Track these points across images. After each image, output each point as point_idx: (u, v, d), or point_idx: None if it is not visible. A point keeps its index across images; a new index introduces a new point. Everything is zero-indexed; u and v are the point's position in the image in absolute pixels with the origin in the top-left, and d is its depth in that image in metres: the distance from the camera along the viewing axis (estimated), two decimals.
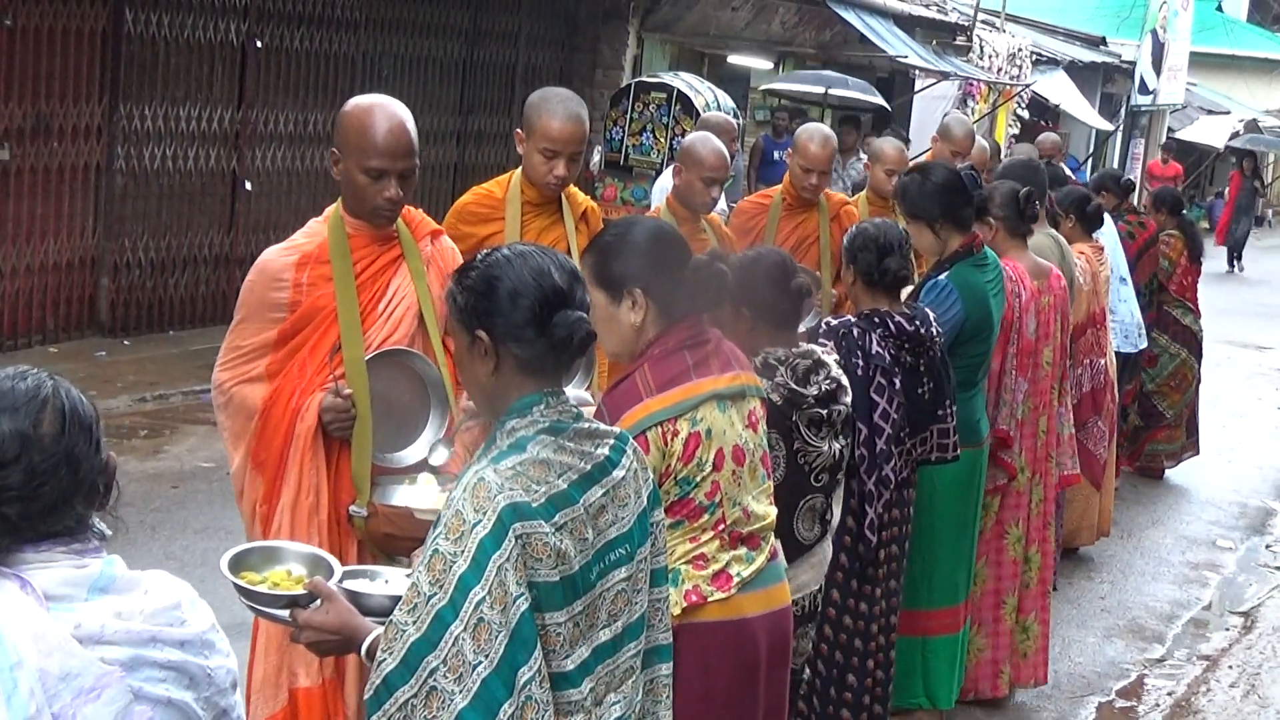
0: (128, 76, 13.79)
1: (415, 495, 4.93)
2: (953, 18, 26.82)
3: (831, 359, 5.44)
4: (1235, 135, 36.16)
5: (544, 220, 6.41)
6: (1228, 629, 9.49)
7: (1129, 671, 8.64)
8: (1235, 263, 32.32)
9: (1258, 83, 49.12)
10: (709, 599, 4.46)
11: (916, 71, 24.42)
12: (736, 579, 4.54)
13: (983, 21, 27.28)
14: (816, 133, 8.64)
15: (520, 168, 6.38)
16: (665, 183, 11.18)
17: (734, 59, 21.70)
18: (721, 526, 4.51)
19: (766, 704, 4.69)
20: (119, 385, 12.49)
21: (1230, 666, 8.58)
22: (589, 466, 3.44)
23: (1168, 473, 12.69)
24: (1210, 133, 38.46)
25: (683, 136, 16.89)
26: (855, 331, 6.00)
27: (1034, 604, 7.77)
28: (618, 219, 5.61)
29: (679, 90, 17.02)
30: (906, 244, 6.37)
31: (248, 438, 4.97)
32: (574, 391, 6.16)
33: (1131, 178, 13.14)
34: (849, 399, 5.45)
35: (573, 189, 6.60)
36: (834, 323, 6.10)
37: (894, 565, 6.37)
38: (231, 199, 15.10)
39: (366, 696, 3.28)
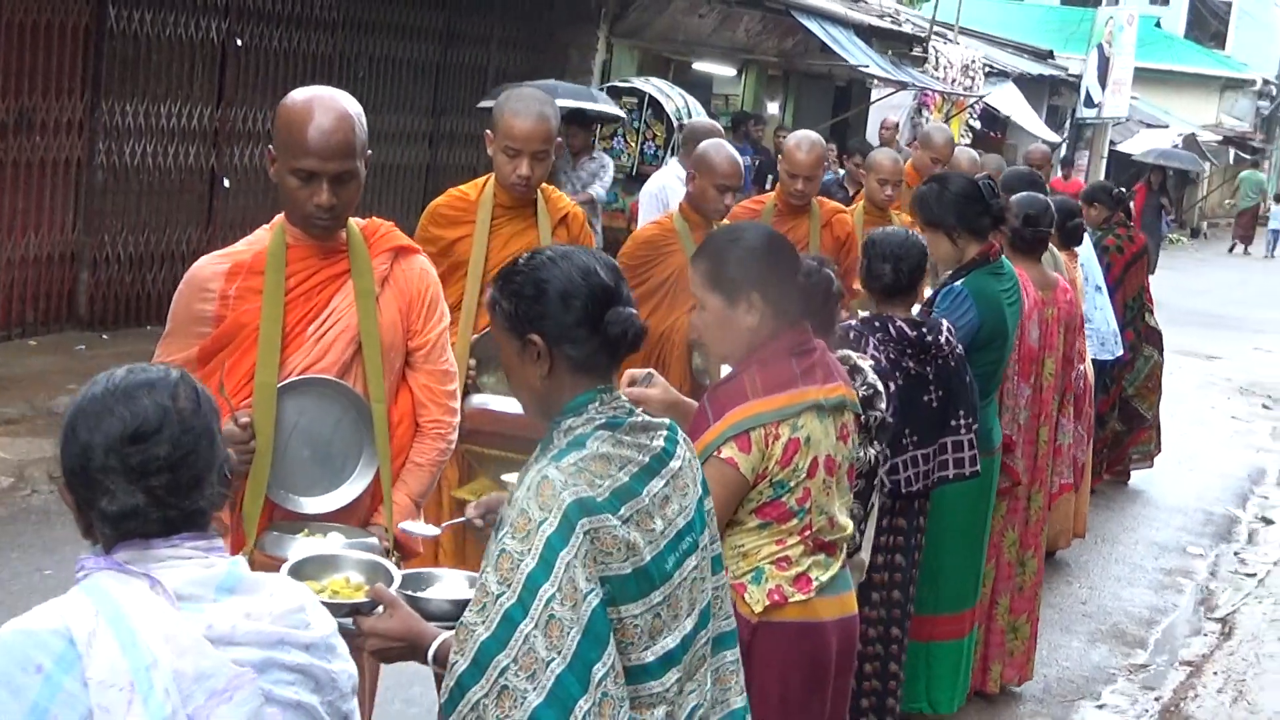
0: (109, 72, 13.57)
1: (302, 549, 4.18)
2: (906, 28, 26.87)
3: (867, 364, 5.36)
4: (1149, 151, 36.00)
5: (516, 224, 6.13)
6: (1205, 635, 9.45)
7: (1115, 676, 8.58)
8: None
9: (1196, 98, 49.48)
10: (789, 600, 4.42)
11: (874, 81, 24.42)
12: (815, 583, 4.51)
13: (937, 33, 27.32)
14: (804, 140, 8.59)
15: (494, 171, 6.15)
16: (654, 186, 11.16)
17: (699, 65, 21.67)
18: (808, 533, 4.48)
19: (832, 709, 4.64)
20: None
21: (1215, 673, 8.53)
22: (647, 458, 3.37)
23: (1133, 479, 12.66)
24: (1150, 145, 38.64)
25: (653, 141, 16.91)
26: (852, 335, 5.90)
27: (1025, 606, 7.73)
28: (727, 224, 5.52)
29: (650, 95, 16.95)
30: (925, 258, 6.31)
31: None
32: None
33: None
34: (884, 405, 5.38)
35: (555, 193, 6.35)
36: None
37: (897, 576, 6.28)
38: (210, 196, 14.90)
39: (441, 700, 3.19)
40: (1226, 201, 48.03)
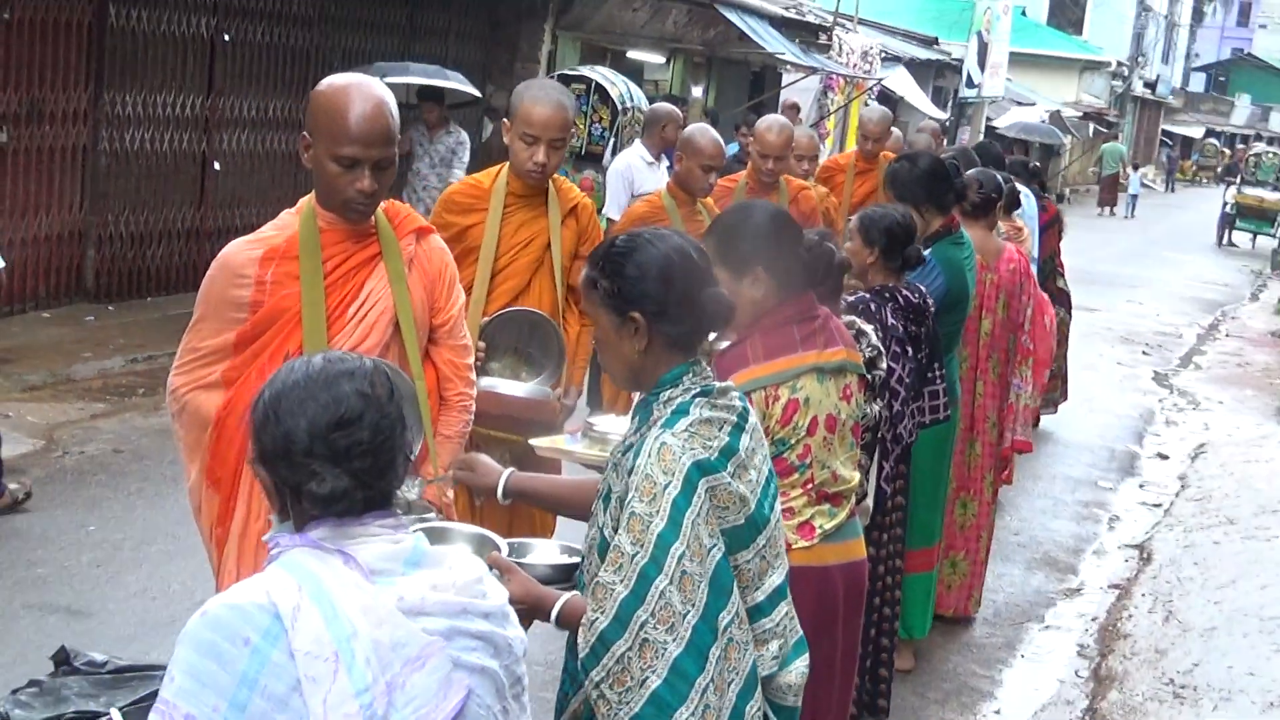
0: (111, 66, 13.33)
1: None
2: (810, 19, 26.79)
3: (870, 328, 5.27)
4: (1013, 125, 36.05)
5: (527, 212, 5.80)
6: (1127, 560, 9.43)
7: (1054, 600, 8.55)
8: None
9: (1058, 78, 49.84)
10: (793, 546, 4.25)
11: (786, 66, 24.37)
12: (819, 530, 4.42)
13: (839, 23, 27.27)
14: (774, 123, 8.49)
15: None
16: (620, 165, 10.99)
17: (632, 54, 21.55)
18: (810, 485, 4.39)
19: (844, 647, 4.56)
20: (111, 347, 12.05)
21: (1143, 594, 8.51)
22: (735, 417, 3.31)
23: (1043, 422, 12.64)
24: (1019, 121, 38.79)
25: (600, 123, 16.72)
26: (873, 305, 5.80)
27: (965, 544, 7.65)
28: (737, 204, 5.37)
29: (596, 82, 16.75)
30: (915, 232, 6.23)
31: (202, 451, 4.06)
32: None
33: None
34: (885, 364, 5.31)
35: (566, 183, 6.03)
36: (852, 299, 5.89)
37: (899, 514, 6.27)
38: (201, 177, 14.67)
39: (582, 655, 3.11)
40: (1090, 169, 48.37)
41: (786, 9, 25.74)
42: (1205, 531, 9.75)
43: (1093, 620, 8.26)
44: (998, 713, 6.92)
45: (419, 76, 13.74)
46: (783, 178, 8.50)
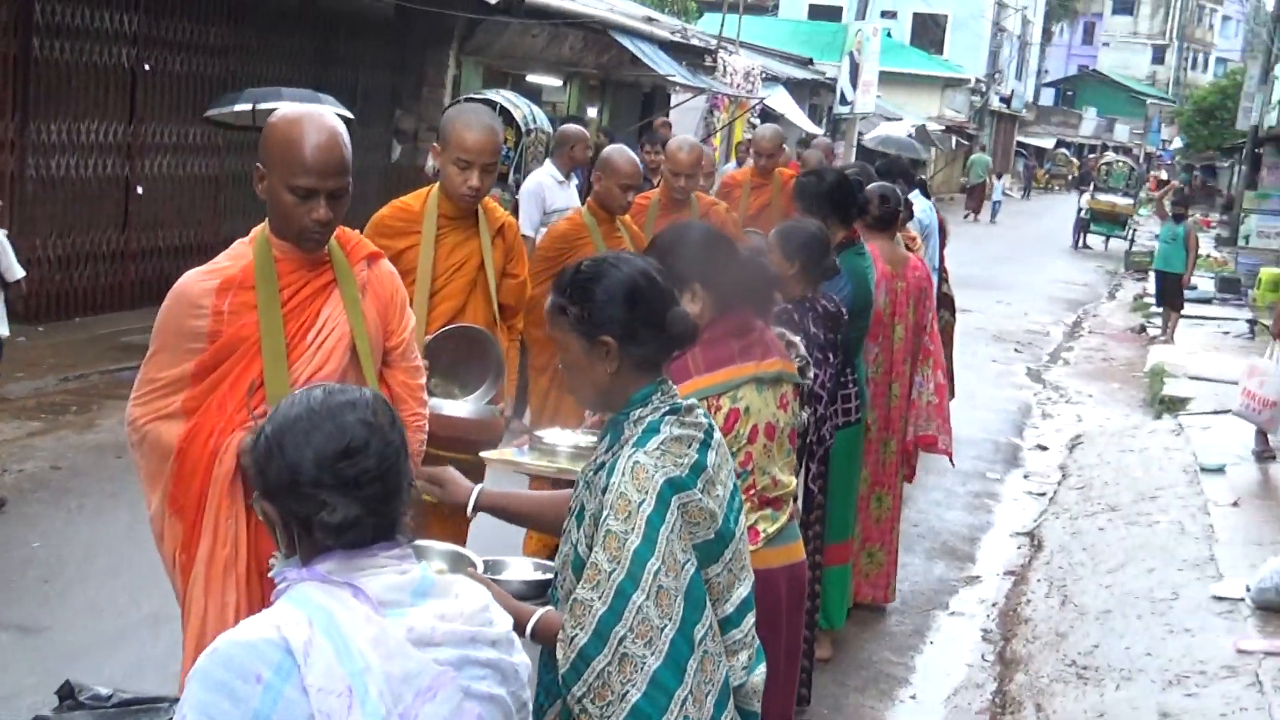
0: (36, 96, 13.06)
1: None
2: (695, 43, 26.80)
3: (798, 338, 5.20)
4: (874, 138, 36.26)
5: (460, 234, 5.64)
6: (1019, 547, 9.45)
7: (956, 587, 8.53)
8: None
9: (923, 95, 50.30)
10: None
11: (675, 87, 24.36)
12: (763, 534, 4.37)
13: (722, 46, 27.29)
14: (685, 143, 8.46)
15: (437, 183, 5.66)
16: (531, 185, 10.85)
17: (531, 77, 21.44)
18: (753, 491, 4.34)
19: (786, 646, 4.49)
20: (44, 367, 11.76)
21: (1038, 580, 8.52)
22: (703, 434, 3.22)
23: None
24: (885, 134, 39.03)
25: (505, 144, 16.55)
26: (796, 315, 5.73)
27: (881, 536, 7.61)
28: (672, 223, 5.27)
29: (501, 105, 16.59)
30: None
31: (164, 480, 3.84)
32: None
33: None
34: (812, 373, 5.25)
35: (491, 203, 5.84)
36: (775, 310, 5.82)
37: (820, 512, 6.22)
38: (125, 201, 14.43)
39: (563, 670, 3.00)
40: (960, 179, 48.74)
41: (674, 33, 25.74)
42: (1090, 519, 9.79)
43: (993, 606, 8.26)
44: (914, 698, 6.88)
45: (291, 100, 13.18)
46: (693, 194, 8.44)
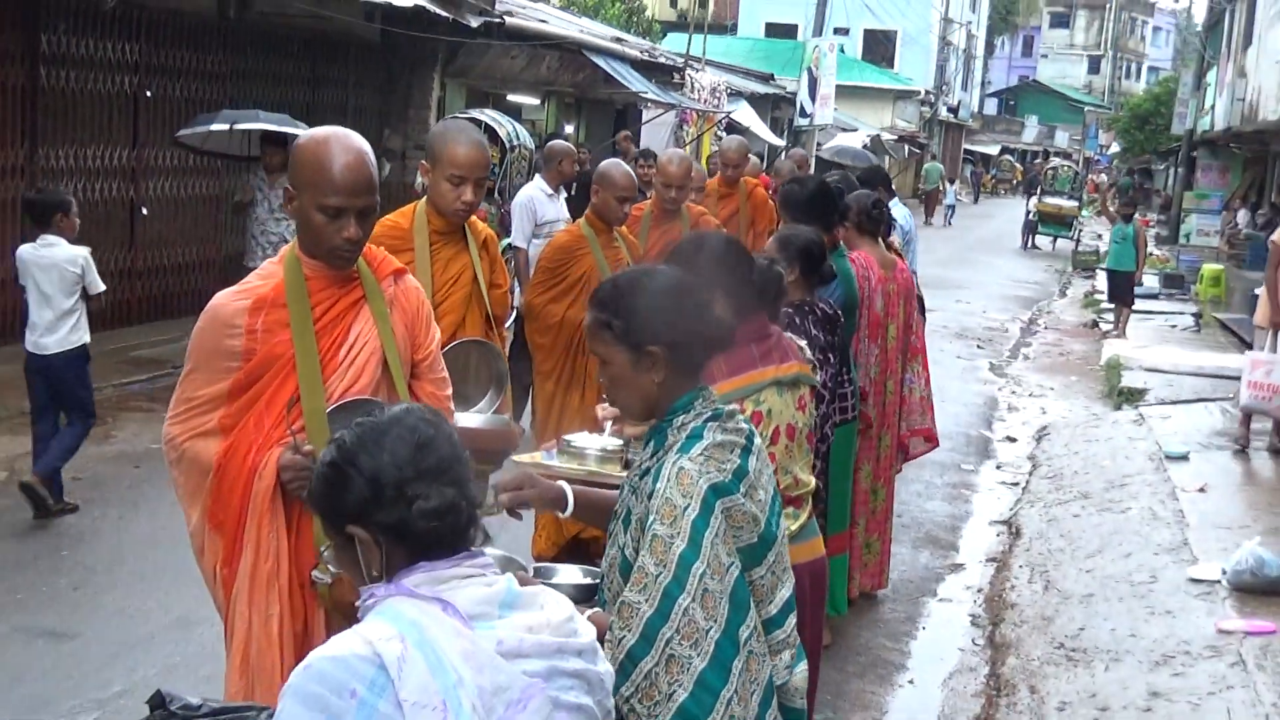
0: (44, 124, 12.92)
1: None
2: (661, 60, 26.75)
3: (803, 342, 5.14)
4: (828, 149, 36.24)
5: (451, 248, 5.50)
6: (999, 535, 9.40)
7: (942, 575, 8.46)
8: None
9: (875, 107, 50.36)
10: None
11: (646, 103, 24.29)
12: (787, 533, 4.23)
13: (689, 64, 27.25)
14: (675, 156, 8.43)
15: (423, 199, 5.51)
16: (522, 198, 10.77)
17: (511, 97, 21.38)
18: None
19: (810, 640, 4.40)
20: None
21: (1020, 566, 8.47)
22: (744, 440, 3.12)
23: None
24: (839, 145, 38.99)
25: (492, 160, 16.47)
26: (798, 319, 5.67)
27: (878, 528, 7.57)
28: (691, 234, 5.19)
29: (486, 122, 16.49)
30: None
31: (203, 496, 3.72)
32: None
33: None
34: (819, 375, 5.19)
35: (473, 218, 5.67)
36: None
37: (821, 505, 6.14)
38: (131, 222, 14.28)
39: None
40: (921, 187, 48.67)
41: (643, 53, 25.70)
42: (1063, 506, 9.75)
43: (979, 592, 8.20)
44: (911, 682, 6.81)
45: (268, 123, 12.25)
46: (684, 205, 8.38)
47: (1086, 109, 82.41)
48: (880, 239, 7.63)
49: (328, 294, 3.78)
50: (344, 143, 3.68)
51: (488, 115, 16.80)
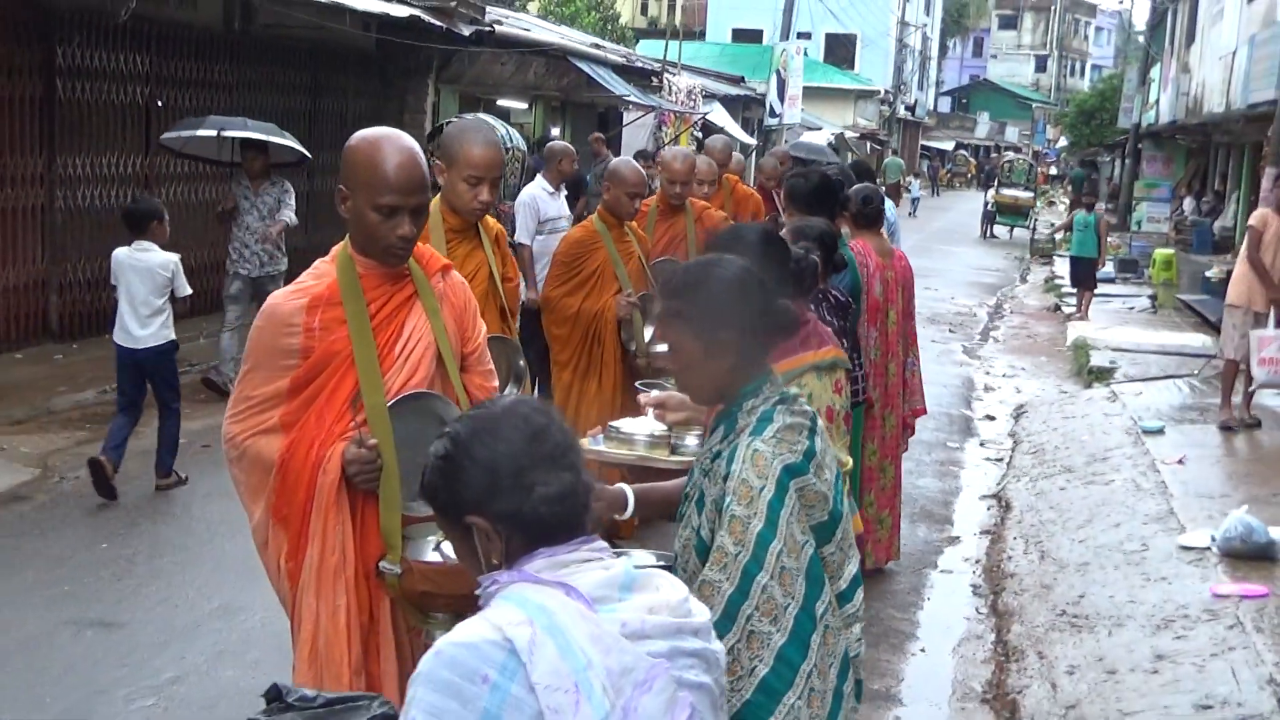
0: (61, 134, 12.75)
1: (449, 550, 3.44)
2: (638, 64, 26.64)
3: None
4: (791, 145, 36.14)
5: (466, 245, 5.34)
6: (989, 509, 9.35)
7: (940, 548, 8.40)
8: None
9: (838, 106, 50.34)
10: None
11: (628, 105, 24.17)
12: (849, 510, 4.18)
13: (666, 69, 27.15)
14: (679, 153, 8.40)
15: (437, 197, 5.23)
16: (525, 197, 10.64)
17: (501, 101, 21.25)
18: None
19: None
20: (81, 381, 11.44)
21: (1014, 538, 8.41)
22: (810, 422, 3.04)
23: None
24: (806, 142, 38.90)
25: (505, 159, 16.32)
26: (812, 306, 5.59)
27: (887, 503, 7.50)
28: (729, 225, 5.11)
29: None
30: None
31: (266, 492, 3.62)
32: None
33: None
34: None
35: (486, 217, 5.49)
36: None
37: (847, 484, 6.08)
38: None
39: None
40: (882, 181, 48.76)
41: (623, 58, 25.59)
42: (1049, 480, 9.70)
43: (977, 563, 8.14)
44: (923, 650, 6.75)
45: (255, 131, 11.67)
46: (688, 200, 8.32)
47: (1034, 105, 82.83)
48: (880, 229, 7.58)
49: (381, 291, 3.68)
50: (396, 143, 3.59)
51: (483, 119, 16.68)
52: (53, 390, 11.11)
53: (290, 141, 11.80)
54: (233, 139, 11.73)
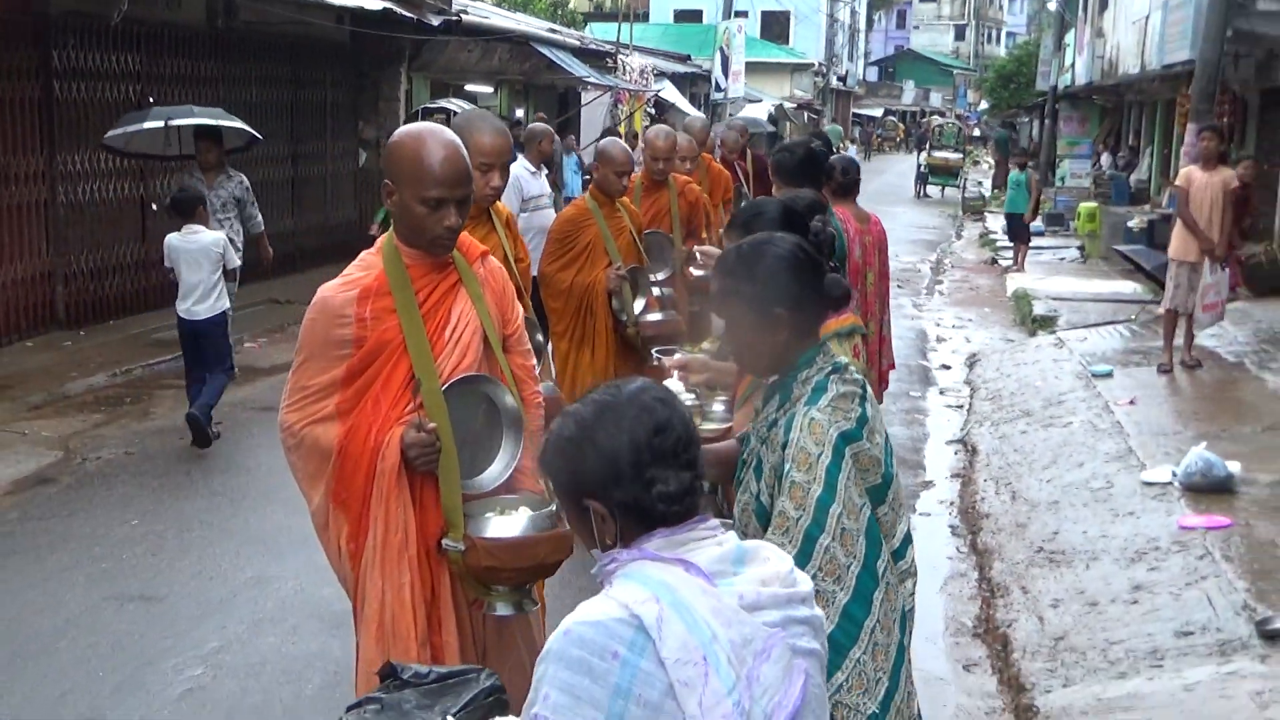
0: (60, 132, 12.46)
1: (509, 525, 3.48)
2: (591, 46, 26.44)
3: None
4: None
5: (481, 229, 5.10)
6: (956, 453, 9.34)
7: (917, 491, 8.37)
8: None
9: (776, 80, 50.18)
10: None
11: (586, 85, 24.01)
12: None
13: (619, 50, 26.95)
14: (660, 131, 8.29)
15: None
16: (509, 177, 10.52)
17: (469, 86, 21.06)
18: None
19: None
20: (92, 366, 11.25)
21: (984, 480, 8.41)
22: (860, 389, 3.00)
23: None
24: (748, 114, 38.85)
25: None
26: None
27: None
28: (750, 201, 5.01)
29: (452, 110, 16.23)
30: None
31: (326, 477, 3.53)
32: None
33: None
34: None
35: (497, 202, 5.30)
36: None
37: None
38: (142, 218, 13.80)
39: None
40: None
41: (579, 41, 25.39)
42: (1010, 424, 9.70)
43: (952, 505, 8.13)
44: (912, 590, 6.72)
45: (202, 117, 10.92)
46: (671, 175, 8.22)
47: (955, 72, 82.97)
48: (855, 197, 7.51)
49: (428, 280, 3.58)
50: (440, 138, 3.50)
51: (454, 104, 16.57)
52: (65, 376, 10.92)
53: (238, 124, 11.23)
54: (179, 129, 11.13)
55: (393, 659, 3.43)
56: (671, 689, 1.94)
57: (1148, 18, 25.05)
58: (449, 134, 3.56)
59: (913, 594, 3.09)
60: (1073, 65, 35.39)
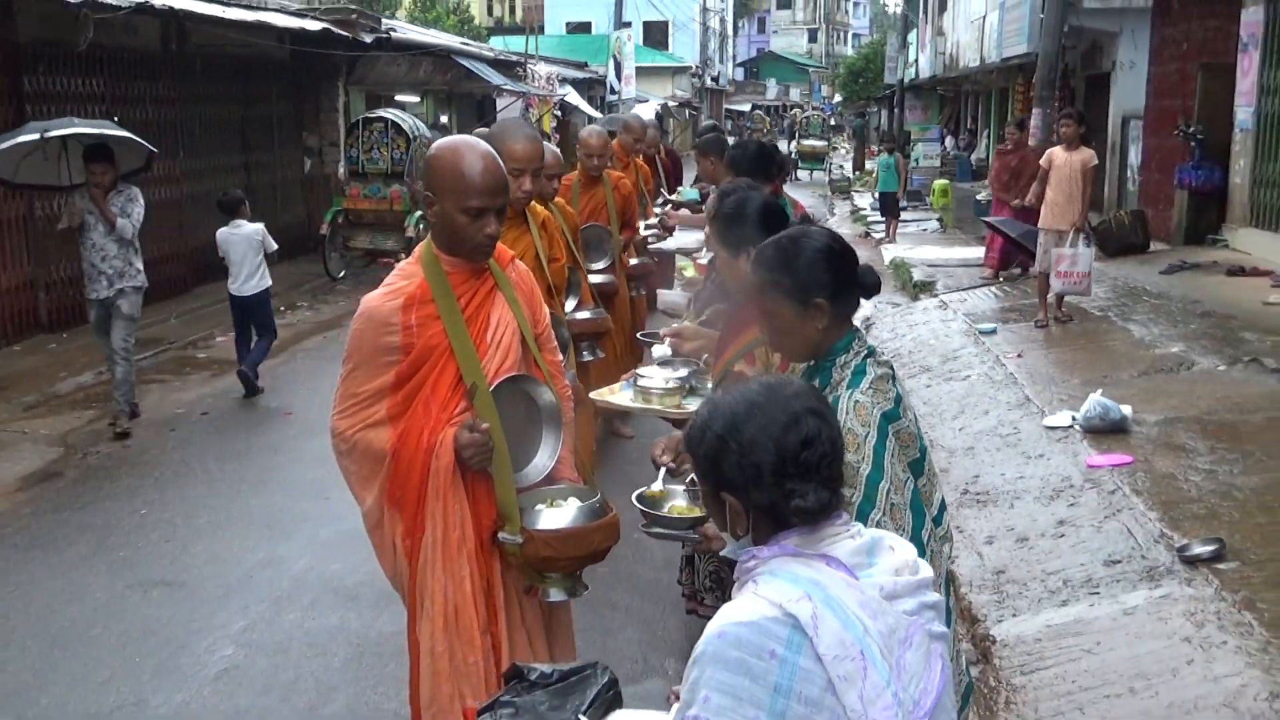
0: None
1: (562, 516, 3.27)
2: (501, 57, 25.95)
3: None
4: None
5: (515, 231, 4.97)
6: None
7: None
8: None
9: (659, 82, 49.90)
10: None
11: (501, 93, 23.57)
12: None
13: (527, 60, 26.50)
14: (594, 131, 8.02)
15: None
16: None
17: (399, 97, 20.54)
18: None
19: None
20: (78, 366, 10.73)
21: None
22: (891, 370, 2.82)
23: None
24: (644, 112, 38.62)
25: (398, 149, 15.67)
26: None
27: None
28: (734, 195, 4.75)
29: (391, 119, 15.73)
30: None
31: (379, 479, 3.29)
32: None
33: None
34: None
35: (532, 203, 5.12)
36: None
37: None
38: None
39: None
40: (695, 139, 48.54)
41: (492, 53, 24.92)
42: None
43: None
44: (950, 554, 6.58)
45: (84, 128, 9.14)
46: (605, 171, 7.96)
47: (810, 70, 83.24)
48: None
49: (467, 286, 3.33)
50: (477, 150, 3.24)
51: (391, 113, 16.03)
52: (54, 376, 10.39)
53: (126, 134, 9.25)
54: (68, 160, 9.23)
55: (459, 646, 3.21)
56: (831, 685, 1.74)
57: (985, 17, 25.24)
58: (484, 145, 3.29)
59: (950, 557, 2.92)
60: (916, 61, 35.65)
